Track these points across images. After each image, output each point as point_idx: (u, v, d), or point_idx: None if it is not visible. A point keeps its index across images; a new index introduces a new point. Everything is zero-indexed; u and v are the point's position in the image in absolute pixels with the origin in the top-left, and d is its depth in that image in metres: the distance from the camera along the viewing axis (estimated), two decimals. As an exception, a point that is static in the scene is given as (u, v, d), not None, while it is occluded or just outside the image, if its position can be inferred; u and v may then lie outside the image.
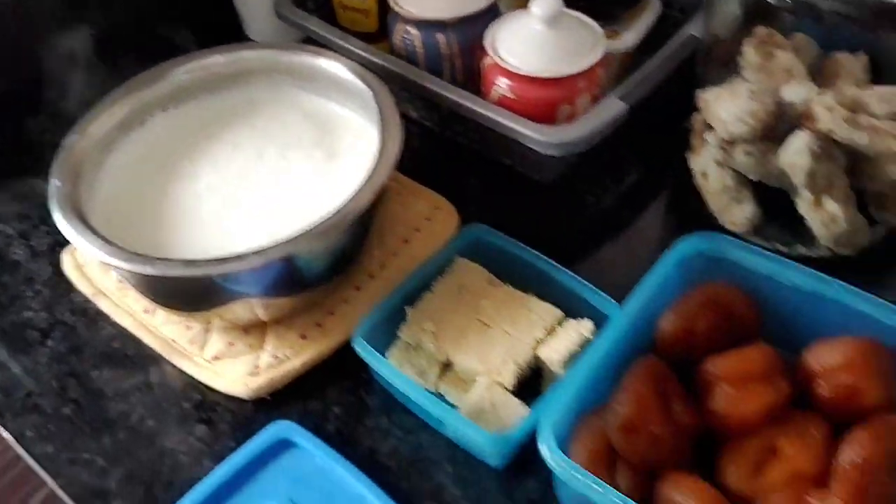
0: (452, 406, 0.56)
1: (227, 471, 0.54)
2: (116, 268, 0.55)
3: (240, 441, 0.56)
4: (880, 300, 0.52)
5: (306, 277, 0.59)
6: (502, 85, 0.69)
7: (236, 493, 0.54)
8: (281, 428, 0.56)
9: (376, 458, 0.56)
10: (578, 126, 0.66)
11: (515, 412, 0.54)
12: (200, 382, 0.61)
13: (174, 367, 0.62)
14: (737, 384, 0.51)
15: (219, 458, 0.55)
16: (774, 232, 0.65)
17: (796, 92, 0.59)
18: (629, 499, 0.46)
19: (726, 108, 0.60)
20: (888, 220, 0.63)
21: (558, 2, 0.67)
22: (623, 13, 0.77)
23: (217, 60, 0.70)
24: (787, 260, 0.55)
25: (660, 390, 0.51)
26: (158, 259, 0.54)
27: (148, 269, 0.54)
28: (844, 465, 0.47)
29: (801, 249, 0.64)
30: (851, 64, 0.66)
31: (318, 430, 0.57)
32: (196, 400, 0.60)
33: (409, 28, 0.74)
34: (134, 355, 0.63)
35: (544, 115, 0.68)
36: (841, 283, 0.53)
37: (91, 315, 0.66)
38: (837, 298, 0.53)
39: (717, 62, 0.66)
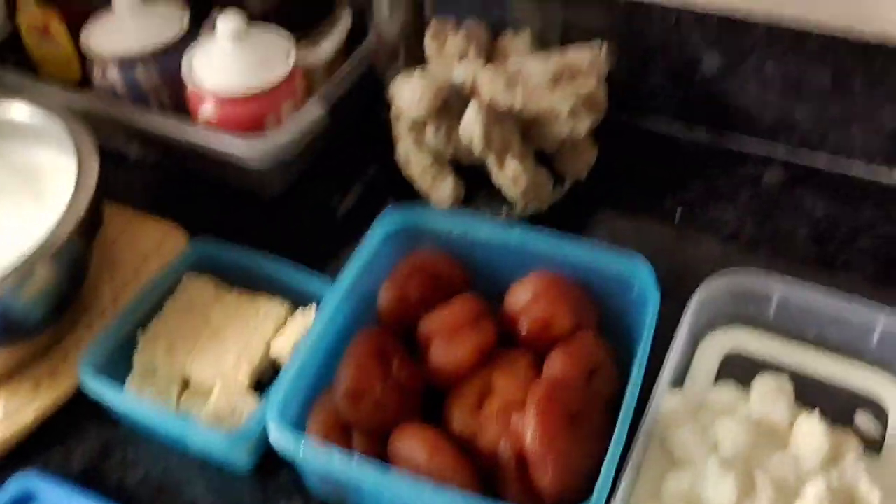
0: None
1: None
2: None
3: (-21, 506, 0.54)
4: (558, 237, 0.58)
5: (24, 323, 0.58)
6: (207, 109, 0.71)
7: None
8: (20, 483, 0.55)
9: (125, 490, 0.56)
10: (278, 134, 0.69)
11: (252, 410, 0.56)
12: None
13: None
14: (448, 335, 0.56)
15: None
16: (483, 202, 0.71)
17: (463, 71, 0.66)
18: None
19: (403, 94, 0.65)
20: (568, 172, 0.71)
21: (239, 18, 0.70)
22: (318, 25, 0.81)
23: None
24: (476, 219, 0.61)
25: (381, 357, 0.54)
26: None
27: None
28: (539, 382, 0.52)
29: (506, 212, 0.70)
30: (518, 41, 0.74)
31: (63, 474, 0.56)
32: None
33: (106, 69, 0.75)
34: None
35: (254, 128, 0.71)
36: (522, 228, 0.60)
37: None
38: (524, 244, 0.59)
39: (392, 59, 0.72)
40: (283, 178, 0.74)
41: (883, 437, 0.54)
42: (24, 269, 0.54)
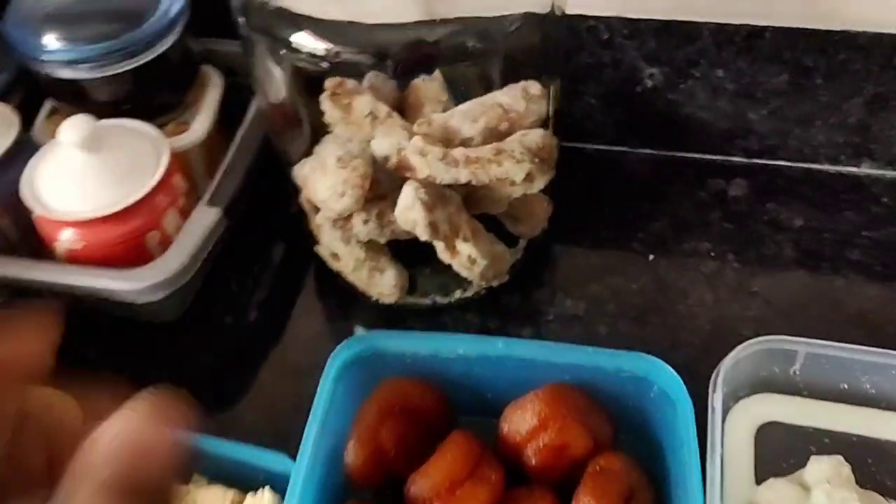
0: None
1: None
2: None
3: None
4: (546, 343, 0.49)
5: None
6: (66, 237, 0.56)
7: None
8: None
9: None
10: (174, 256, 0.55)
11: None
12: None
13: None
14: (447, 497, 0.45)
15: None
16: (429, 284, 0.60)
17: (383, 145, 0.54)
18: None
19: (322, 184, 0.53)
20: (524, 232, 0.61)
21: (87, 120, 0.55)
22: (182, 100, 0.67)
23: None
24: (444, 334, 0.50)
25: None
26: None
27: None
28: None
29: (459, 293, 0.59)
30: (428, 87, 0.62)
31: None
32: None
33: (-80, 204, 0.58)
34: None
35: (132, 252, 0.57)
36: (502, 338, 0.49)
37: None
38: (507, 353, 0.49)
39: (288, 127, 0.59)
40: (176, 306, 0.60)
41: (956, 497, 0.48)
42: None
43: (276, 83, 0.57)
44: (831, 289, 0.59)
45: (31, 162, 0.58)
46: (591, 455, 0.47)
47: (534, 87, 0.56)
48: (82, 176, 0.56)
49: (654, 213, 0.64)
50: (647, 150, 0.68)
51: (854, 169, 0.65)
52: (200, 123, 0.65)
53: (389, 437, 0.48)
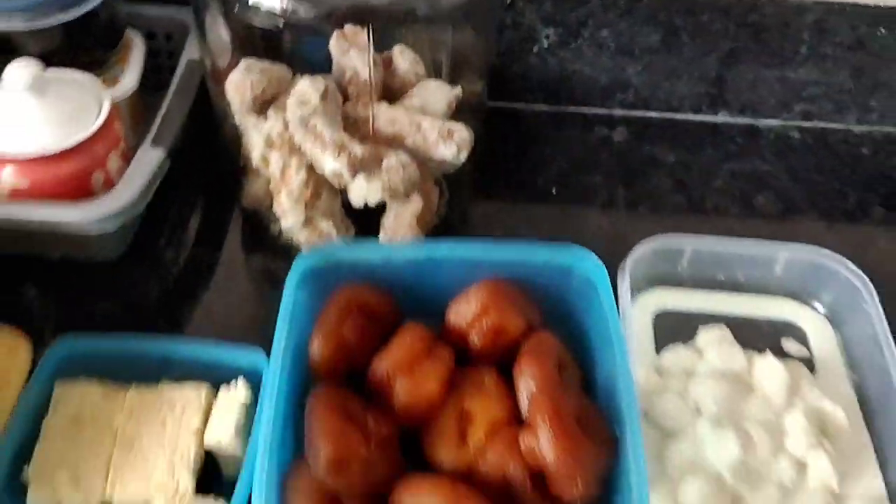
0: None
1: None
2: None
3: None
4: (484, 242, 0.56)
5: None
6: (7, 176, 0.58)
7: None
8: None
9: None
10: (124, 189, 0.58)
11: (214, 515, 0.47)
12: None
13: None
14: (408, 371, 0.51)
15: None
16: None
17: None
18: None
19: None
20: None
21: (33, 63, 0.58)
22: (108, 59, 0.69)
23: None
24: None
25: (349, 415, 0.48)
26: None
27: None
28: (529, 397, 0.50)
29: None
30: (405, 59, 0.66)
31: None
32: None
33: None
34: None
35: (79, 192, 0.59)
36: (446, 241, 0.56)
37: None
38: (450, 255, 0.56)
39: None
40: (121, 242, 0.63)
41: (811, 356, 0.59)
42: None
43: (222, 43, 0.61)
44: (702, 209, 0.70)
45: (-30, 106, 0.60)
46: (525, 336, 0.54)
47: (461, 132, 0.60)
48: (28, 117, 0.58)
49: (552, 157, 0.73)
50: (543, 106, 0.77)
51: (713, 117, 0.77)
52: (129, 78, 0.69)
53: (350, 333, 0.53)
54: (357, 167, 0.56)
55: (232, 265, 0.65)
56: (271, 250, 0.64)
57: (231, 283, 0.64)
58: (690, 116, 0.77)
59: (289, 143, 0.59)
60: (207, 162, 0.69)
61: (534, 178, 0.71)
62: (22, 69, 0.58)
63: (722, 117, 0.77)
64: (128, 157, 0.62)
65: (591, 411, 0.50)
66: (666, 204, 0.70)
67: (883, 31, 0.71)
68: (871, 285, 0.58)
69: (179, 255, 0.65)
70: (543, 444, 0.47)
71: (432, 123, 0.59)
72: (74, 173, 0.59)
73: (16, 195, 0.59)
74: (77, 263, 0.62)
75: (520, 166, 0.72)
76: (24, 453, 0.49)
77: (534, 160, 0.73)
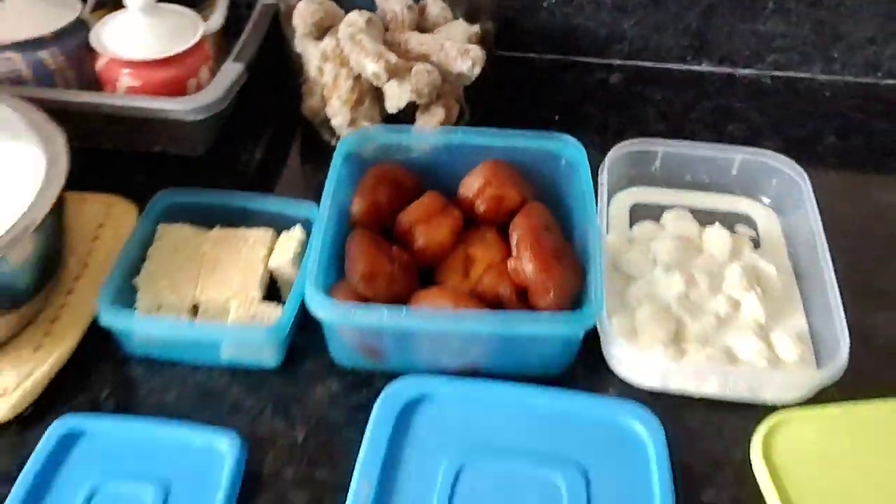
0: (214, 337, 0.62)
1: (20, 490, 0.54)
2: None
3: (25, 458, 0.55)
4: (491, 130, 0.70)
5: (15, 291, 0.60)
6: (126, 77, 0.75)
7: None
8: (63, 423, 0.57)
9: (168, 408, 0.60)
10: (213, 89, 0.75)
11: (274, 313, 0.62)
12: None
13: None
14: (426, 222, 0.66)
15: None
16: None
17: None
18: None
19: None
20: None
21: (151, -10, 0.75)
22: (203, 1, 0.87)
23: None
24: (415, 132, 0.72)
25: (380, 246, 0.63)
26: None
27: None
28: (518, 237, 0.64)
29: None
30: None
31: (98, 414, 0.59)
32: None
33: (9, 54, 0.75)
34: None
35: (176, 92, 0.76)
36: (462, 130, 0.71)
37: None
38: (463, 141, 0.71)
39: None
40: (209, 136, 0.79)
41: (757, 237, 0.72)
42: (13, 240, 0.56)
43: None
44: (681, 134, 0.83)
45: (98, 26, 0.77)
46: (520, 206, 0.69)
47: (475, 50, 0.77)
48: (140, 32, 0.75)
49: (555, 95, 0.88)
50: (550, 56, 0.92)
51: (697, 66, 0.91)
52: (216, 18, 0.86)
53: (382, 196, 0.68)
54: (391, 71, 0.72)
55: (294, 158, 0.82)
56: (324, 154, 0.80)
57: (292, 167, 0.80)
58: (678, 66, 0.92)
59: (340, 58, 0.75)
60: (277, 79, 0.85)
61: (539, 111, 0.86)
62: (140, -6, 0.75)
63: (705, 66, 0.91)
64: (214, 72, 0.79)
65: (566, 250, 0.64)
66: (650, 129, 0.84)
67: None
68: (808, 181, 0.71)
69: (255, 151, 0.81)
70: (525, 264, 0.61)
71: (452, 44, 0.75)
72: (174, 78, 0.76)
73: (132, 91, 0.75)
74: (172, 158, 0.79)
75: (529, 103, 0.87)
76: (133, 272, 0.65)
77: (542, 98, 0.88)
